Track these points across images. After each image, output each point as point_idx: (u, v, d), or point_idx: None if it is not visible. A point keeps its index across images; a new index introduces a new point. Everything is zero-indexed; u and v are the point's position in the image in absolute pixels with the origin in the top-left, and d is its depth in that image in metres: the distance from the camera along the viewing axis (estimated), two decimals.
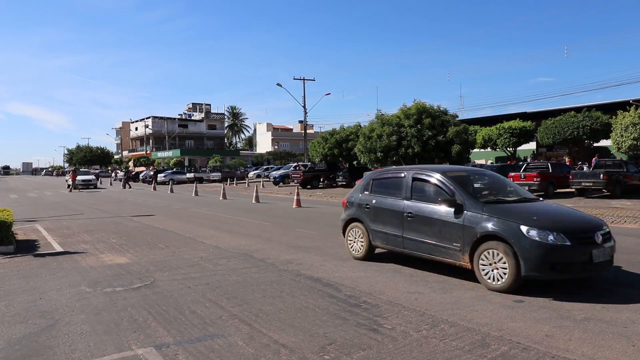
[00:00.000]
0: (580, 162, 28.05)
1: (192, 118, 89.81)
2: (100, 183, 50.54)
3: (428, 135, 27.20)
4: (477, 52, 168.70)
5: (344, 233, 8.77)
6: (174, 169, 54.28)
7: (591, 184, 19.47)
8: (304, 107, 44.61)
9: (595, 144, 29.66)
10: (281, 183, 37.82)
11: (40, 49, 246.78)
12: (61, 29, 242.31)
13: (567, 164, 27.49)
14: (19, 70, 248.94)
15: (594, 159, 28.45)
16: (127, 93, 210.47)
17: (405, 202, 7.52)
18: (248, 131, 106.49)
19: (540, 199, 7.75)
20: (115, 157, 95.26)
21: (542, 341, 4.34)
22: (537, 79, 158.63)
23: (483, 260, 6.36)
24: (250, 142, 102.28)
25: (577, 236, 6.01)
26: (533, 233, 5.93)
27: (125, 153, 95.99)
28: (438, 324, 4.85)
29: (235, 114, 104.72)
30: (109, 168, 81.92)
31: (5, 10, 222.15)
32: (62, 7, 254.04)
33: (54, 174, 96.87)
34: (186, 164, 69.41)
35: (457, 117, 31.51)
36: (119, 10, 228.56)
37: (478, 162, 33.35)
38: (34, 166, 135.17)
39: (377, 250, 8.26)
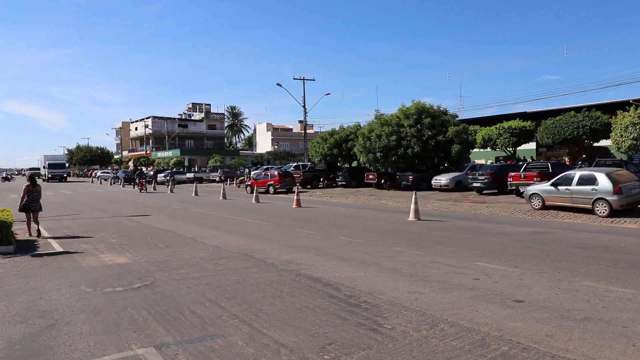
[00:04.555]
0: (580, 162, 28.06)
1: (192, 118, 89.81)
2: (100, 183, 50.55)
3: (428, 135, 27.21)
4: (477, 51, 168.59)
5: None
6: (174, 169, 54.27)
7: None
8: (304, 107, 44.56)
9: (595, 144, 29.65)
10: None
11: (36, 45, 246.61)
12: (57, 26, 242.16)
13: (567, 163, 27.49)
14: (15, 67, 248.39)
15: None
16: (124, 90, 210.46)
17: None
18: (248, 131, 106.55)
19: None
20: (115, 157, 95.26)
21: (542, 341, 4.34)
22: (542, 77, 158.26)
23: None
24: (250, 142, 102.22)
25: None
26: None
27: (125, 153, 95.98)
28: (438, 324, 4.85)
29: (235, 114, 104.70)
30: (109, 168, 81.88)
31: (1, 7, 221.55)
32: (58, 4, 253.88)
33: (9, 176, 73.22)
34: (186, 164, 69.43)
35: (457, 117, 31.55)
36: (116, 5, 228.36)
37: (478, 162, 33.33)
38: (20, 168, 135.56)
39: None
